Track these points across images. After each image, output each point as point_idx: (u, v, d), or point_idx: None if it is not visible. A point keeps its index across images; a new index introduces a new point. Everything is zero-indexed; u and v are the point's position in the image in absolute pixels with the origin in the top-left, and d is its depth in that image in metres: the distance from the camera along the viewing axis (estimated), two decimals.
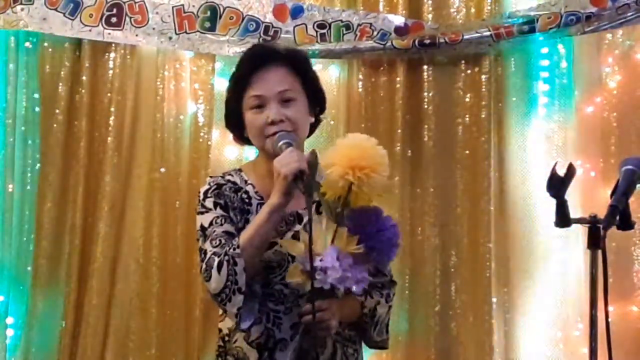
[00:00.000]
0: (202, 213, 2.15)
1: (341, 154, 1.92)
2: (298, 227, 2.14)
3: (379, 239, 1.97)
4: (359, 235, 1.96)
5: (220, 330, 2.23)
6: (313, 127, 2.26)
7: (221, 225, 2.11)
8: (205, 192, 2.18)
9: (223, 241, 2.05)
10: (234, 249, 2.01)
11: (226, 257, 2.01)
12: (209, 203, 2.15)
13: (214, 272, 2.01)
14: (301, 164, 1.96)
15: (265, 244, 2.06)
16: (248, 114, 2.16)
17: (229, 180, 2.21)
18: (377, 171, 1.91)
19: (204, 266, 2.06)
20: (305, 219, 2.12)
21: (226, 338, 2.19)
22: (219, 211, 2.13)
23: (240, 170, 2.27)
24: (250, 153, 3.75)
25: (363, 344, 2.28)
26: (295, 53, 2.27)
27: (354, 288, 1.95)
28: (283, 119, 2.11)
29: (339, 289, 1.99)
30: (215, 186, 2.18)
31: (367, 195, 1.96)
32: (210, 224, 2.12)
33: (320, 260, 1.92)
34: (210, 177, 2.27)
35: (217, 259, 2.02)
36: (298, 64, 2.20)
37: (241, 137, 2.25)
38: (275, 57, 2.18)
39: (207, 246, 2.07)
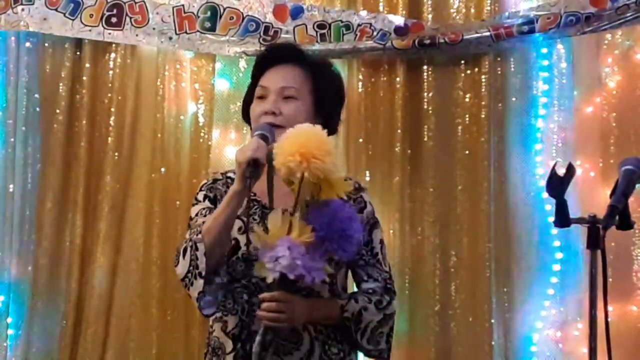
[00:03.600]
0: (193, 205, 2.23)
1: (283, 143, 1.93)
2: None
3: (331, 230, 1.93)
4: (313, 226, 1.94)
5: (209, 321, 2.27)
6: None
7: (204, 216, 2.15)
8: (201, 186, 2.26)
9: (199, 230, 2.10)
10: (197, 234, 2.05)
11: (190, 243, 2.06)
12: (200, 195, 2.22)
13: (181, 257, 2.09)
14: (255, 152, 1.97)
15: (226, 229, 2.06)
16: (253, 102, 2.22)
17: (228, 177, 2.25)
18: (320, 156, 1.89)
19: (176, 253, 2.13)
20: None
21: (209, 329, 2.23)
22: (206, 203, 2.19)
23: None
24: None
25: None
26: (325, 65, 2.29)
27: (306, 277, 1.91)
28: (276, 112, 2.14)
29: (293, 281, 1.95)
30: (211, 180, 2.26)
31: (328, 184, 1.94)
32: (196, 214, 2.18)
33: (274, 251, 1.92)
34: (214, 172, 2.37)
35: (184, 245, 2.09)
36: (316, 67, 2.23)
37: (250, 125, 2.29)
38: (294, 57, 2.23)
39: (187, 235, 2.14)
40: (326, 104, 2.22)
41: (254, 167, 1.97)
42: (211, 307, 2.09)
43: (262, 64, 2.24)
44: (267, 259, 1.92)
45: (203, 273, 2.03)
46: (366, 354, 2.24)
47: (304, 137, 1.91)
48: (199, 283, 2.04)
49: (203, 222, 2.11)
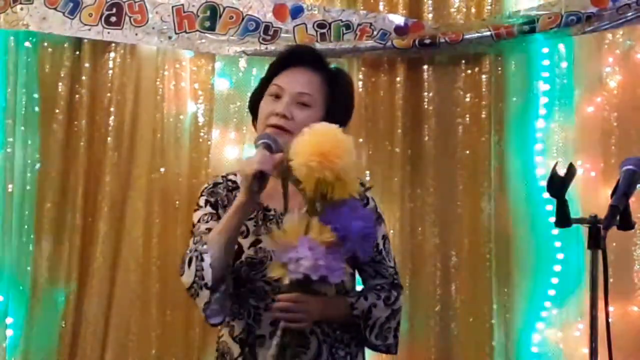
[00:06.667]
0: (195, 210, 2.21)
1: (302, 143, 1.92)
2: None
3: (351, 230, 1.94)
4: (332, 226, 1.94)
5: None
6: None
7: (207, 222, 2.14)
8: (202, 191, 2.23)
9: (203, 238, 2.09)
10: (203, 245, 2.05)
11: (195, 253, 2.05)
12: (201, 201, 2.20)
13: (186, 267, 2.07)
14: (262, 165, 1.97)
15: (232, 241, 2.06)
16: (264, 99, 2.19)
17: (228, 180, 2.24)
18: (340, 156, 1.90)
19: (180, 262, 2.11)
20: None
21: (219, 333, 2.22)
22: (207, 209, 2.17)
23: None
24: (250, 153, 3.75)
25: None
26: (341, 74, 2.28)
27: (330, 278, 1.92)
28: (288, 117, 2.12)
29: (314, 282, 1.95)
30: (212, 185, 2.23)
31: (342, 183, 1.94)
32: (199, 221, 2.16)
33: (294, 251, 1.92)
34: (215, 176, 2.33)
35: (189, 255, 2.07)
36: (332, 77, 2.22)
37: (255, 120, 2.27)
38: (314, 62, 2.21)
39: (190, 242, 2.12)
40: (336, 115, 2.20)
41: (260, 180, 1.96)
42: (218, 316, 2.08)
43: (282, 62, 2.23)
44: (286, 260, 1.91)
45: (209, 284, 2.03)
46: (375, 350, 2.25)
47: (323, 137, 1.92)
48: (205, 294, 2.04)
49: (207, 229, 2.11)
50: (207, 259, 2.03)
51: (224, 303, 2.08)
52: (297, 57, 2.23)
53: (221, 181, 2.23)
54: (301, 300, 1.99)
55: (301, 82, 2.16)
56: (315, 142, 1.90)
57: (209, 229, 2.11)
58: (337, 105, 2.22)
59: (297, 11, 3.75)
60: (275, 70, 2.22)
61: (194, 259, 2.05)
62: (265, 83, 2.23)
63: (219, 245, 2.03)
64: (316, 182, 1.91)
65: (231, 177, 2.25)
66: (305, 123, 2.11)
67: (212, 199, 2.19)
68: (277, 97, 2.16)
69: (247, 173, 1.97)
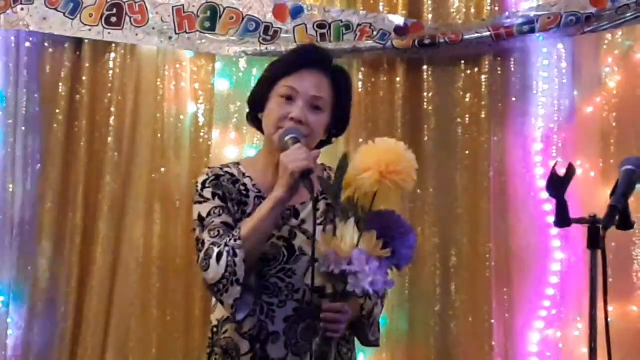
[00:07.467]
0: (200, 203, 2.16)
1: (377, 159, 1.93)
2: (295, 222, 2.16)
3: (402, 242, 1.99)
4: (383, 239, 1.97)
5: (211, 322, 2.24)
6: (321, 145, 2.26)
7: (219, 216, 2.11)
8: (204, 183, 2.19)
9: (222, 232, 2.06)
10: (235, 240, 2.01)
11: (226, 248, 2.01)
12: (207, 193, 2.16)
13: (213, 262, 2.02)
14: (309, 162, 1.98)
15: (266, 237, 2.07)
16: (274, 99, 2.17)
17: (227, 172, 2.22)
18: (412, 175, 1.95)
19: (202, 256, 2.06)
20: (302, 215, 2.16)
21: (214, 330, 2.20)
22: (217, 202, 2.14)
23: (238, 163, 2.28)
24: (250, 153, 3.75)
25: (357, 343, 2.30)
26: (345, 75, 2.29)
27: (381, 290, 1.98)
28: (303, 121, 2.12)
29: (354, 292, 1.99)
30: (213, 177, 2.20)
31: (389, 198, 2.00)
32: (209, 214, 2.12)
33: (349, 264, 1.93)
34: (209, 167, 2.29)
35: (216, 250, 2.02)
36: (342, 84, 2.23)
37: (254, 117, 2.26)
38: (327, 66, 2.21)
39: (205, 236, 2.08)
40: (341, 117, 2.24)
41: (307, 177, 1.97)
42: (244, 311, 2.07)
43: (293, 62, 2.21)
44: (338, 272, 1.93)
45: (241, 280, 2.01)
46: (368, 345, 2.29)
47: (394, 155, 1.95)
48: (236, 290, 2.01)
49: (222, 223, 2.09)
50: (241, 254, 2.00)
51: (248, 298, 2.07)
52: (309, 58, 2.21)
53: (222, 173, 2.21)
54: (345, 311, 2.03)
55: (315, 85, 2.15)
56: (389, 159, 1.92)
57: (225, 223, 2.10)
58: (342, 108, 2.24)
59: (297, 11, 3.75)
60: (284, 70, 2.19)
61: (224, 253, 2.01)
62: (272, 82, 2.19)
63: (254, 242, 2.02)
64: (374, 196, 1.94)
65: (226, 169, 2.24)
66: (318, 127, 2.15)
67: (219, 192, 2.16)
68: (289, 99, 2.14)
69: (294, 170, 1.98)
